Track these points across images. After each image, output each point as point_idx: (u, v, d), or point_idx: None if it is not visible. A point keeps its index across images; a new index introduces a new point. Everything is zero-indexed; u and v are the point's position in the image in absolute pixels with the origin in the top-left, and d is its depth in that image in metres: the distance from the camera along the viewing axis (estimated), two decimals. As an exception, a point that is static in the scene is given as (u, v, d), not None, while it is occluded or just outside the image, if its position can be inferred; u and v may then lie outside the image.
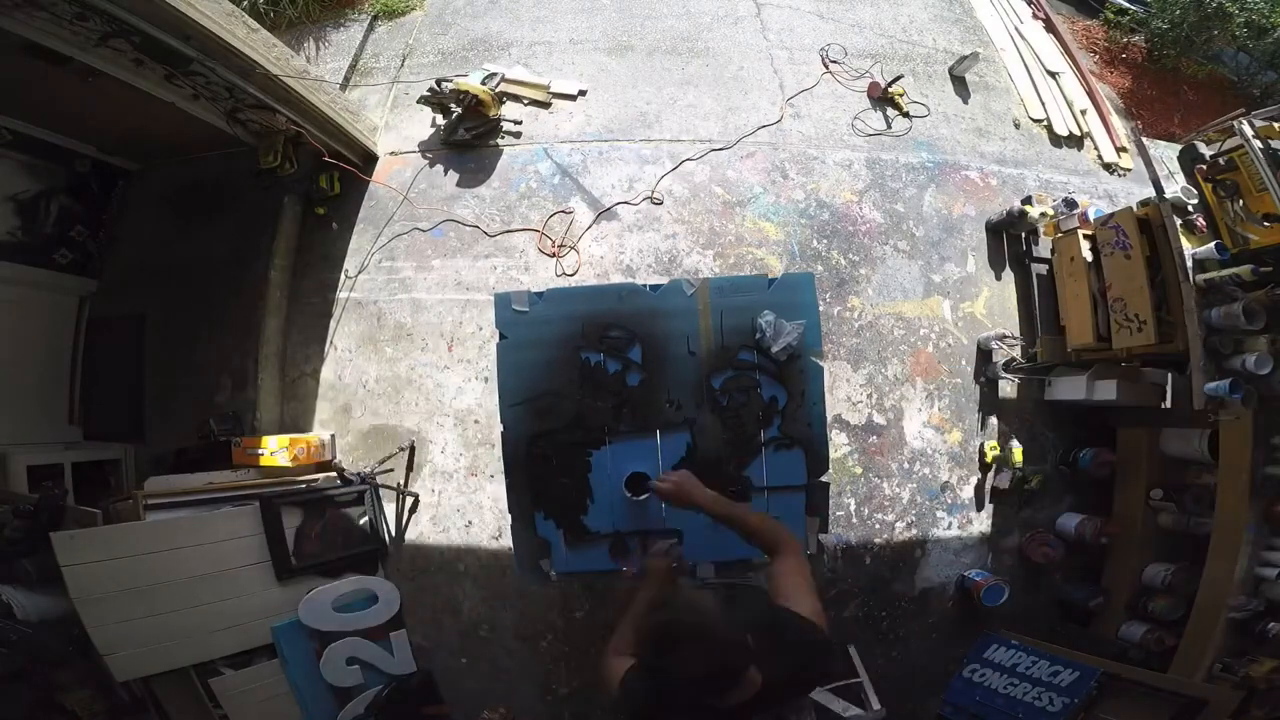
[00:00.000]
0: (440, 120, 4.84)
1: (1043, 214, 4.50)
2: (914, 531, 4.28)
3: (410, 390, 4.38)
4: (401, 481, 4.22)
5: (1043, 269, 4.59)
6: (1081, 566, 4.30)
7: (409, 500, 4.20)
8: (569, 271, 4.51)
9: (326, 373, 4.46)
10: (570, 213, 4.62)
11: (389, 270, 4.59)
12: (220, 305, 4.49)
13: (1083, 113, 5.43)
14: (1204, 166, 3.69)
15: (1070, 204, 4.46)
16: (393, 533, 4.17)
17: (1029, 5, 6.11)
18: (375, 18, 5.54)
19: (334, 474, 4.04)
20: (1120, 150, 5.33)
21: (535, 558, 2.81)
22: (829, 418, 4.11)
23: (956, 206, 4.87)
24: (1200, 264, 3.54)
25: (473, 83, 4.62)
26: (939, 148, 5.09)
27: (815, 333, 2.82)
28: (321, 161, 4.46)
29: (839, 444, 4.26)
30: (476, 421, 4.28)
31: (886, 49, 5.53)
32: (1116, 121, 5.51)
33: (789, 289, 2.84)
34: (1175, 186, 3.99)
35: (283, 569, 3.67)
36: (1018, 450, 4.29)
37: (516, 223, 4.62)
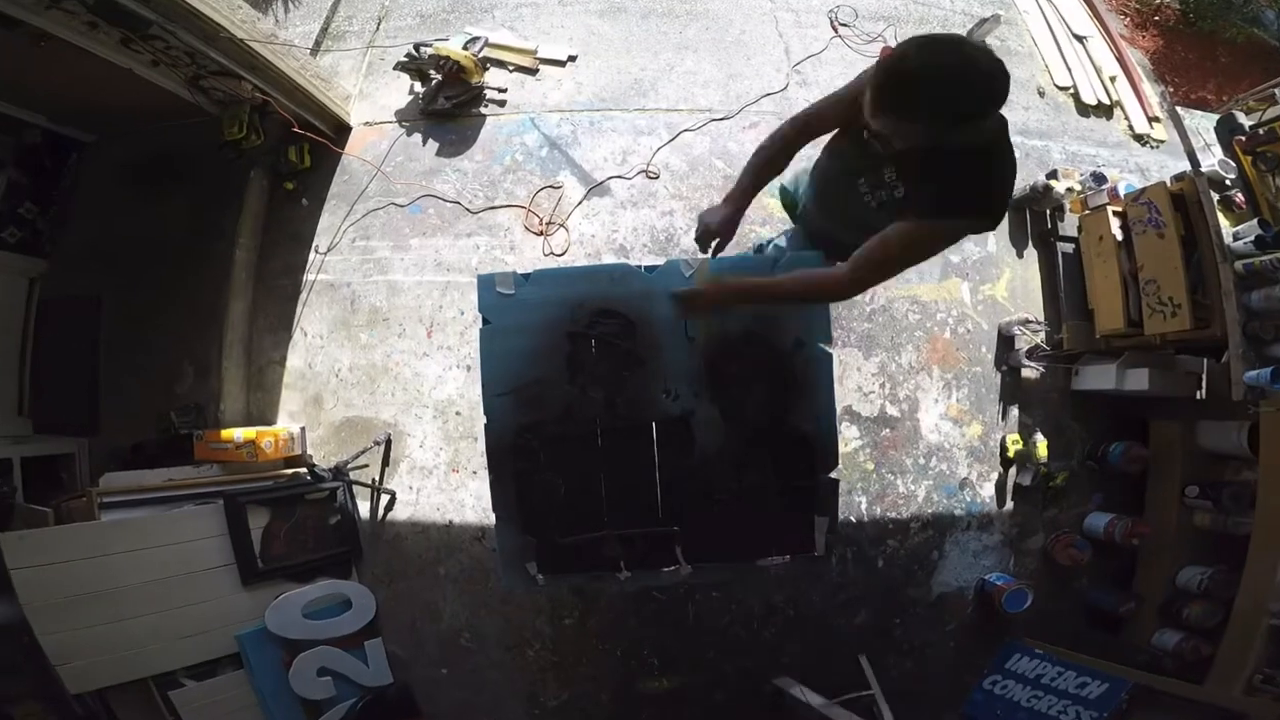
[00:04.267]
0: (418, 88, 4.75)
1: (1069, 189, 4.44)
2: (930, 532, 4.24)
3: (386, 379, 4.32)
4: (377, 478, 4.17)
5: (1069, 249, 4.55)
6: (1111, 570, 4.27)
7: (385, 498, 4.16)
8: (558, 251, 4.45)
9: (295, 361, 4.40)
10: (559, 188, 4.55)
11: (363, 250, 4.52)
12: (181, 288, 4.42)
13: (1112, 80, 5.34)
14: (1243, 138, 3.66)
15: (1099, 178, 4.43)
16: (368, 533, 4.12)
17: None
18: (348, -24, 5.44)
19: (304, 470, 4.02)
20: (1153, 120, 5.26)
21: (521, 560, 2.78)
22: (838, 409, 4.06)
23: None
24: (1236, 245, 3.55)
25: (454, 47, 4.52)
26: None
27: (823, 318, 2.78)
28: (290, 133, 4.40)
29: (849, 438, 4.21)
30: (458, 413, 4.23)
31: (900, 11, 5.45)
32: (1148, 89, 5.43)
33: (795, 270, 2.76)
34: (1212, 159, 3.96)
35: (248, 572, 3.66)
36: (1042, 444, 4.25)
37: (501, 198, 4.56)
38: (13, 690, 3.03)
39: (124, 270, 4.52)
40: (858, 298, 4.34)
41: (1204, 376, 3.98)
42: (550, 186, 4.56)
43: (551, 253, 4.44)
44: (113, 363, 4.46)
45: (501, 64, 4.91)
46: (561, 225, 4.48)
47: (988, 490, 4.34)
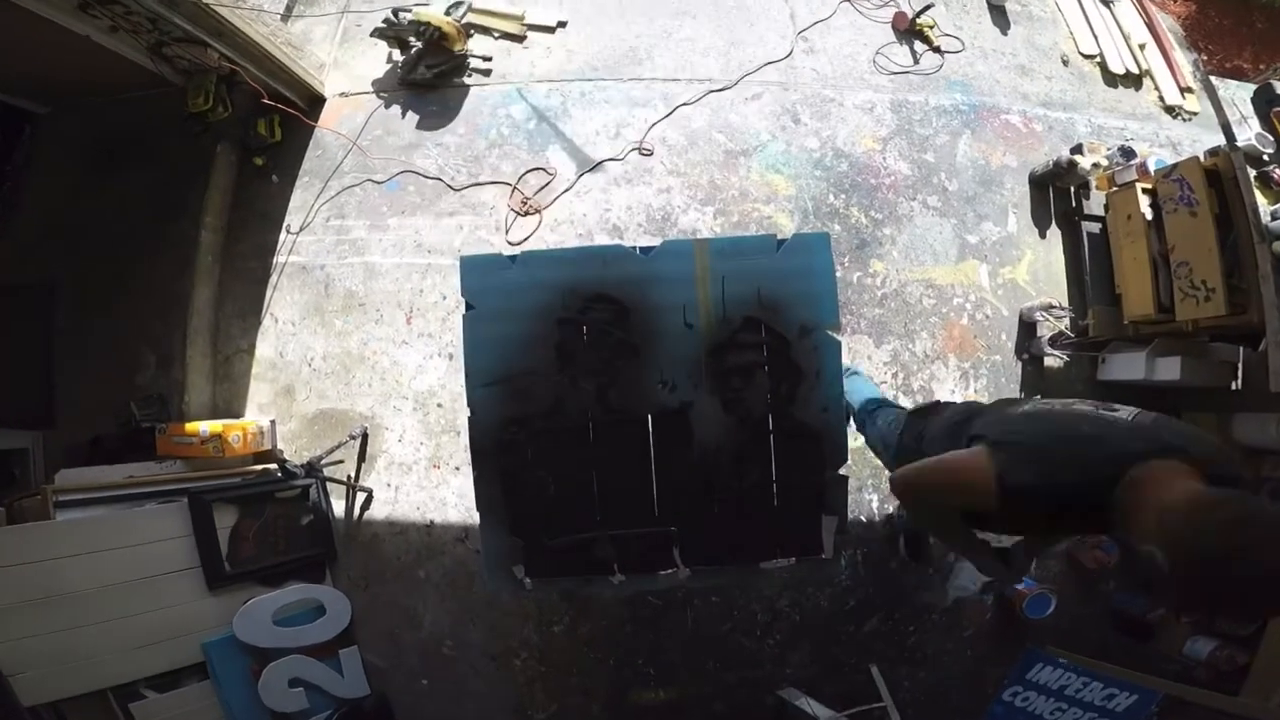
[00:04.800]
0: (397, 56, 4.67)
1: (1095, 165, 4.40)
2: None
3: (362, 369, 4.26)
4: (352, 475, 4.12)
5: (1095, 229, 4.49)
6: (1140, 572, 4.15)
7: (361, 496, 4.11)
8: (547, 232, 4.38)
9: (265, 349, 4.35)
10: (552, 175, 4.48)
11: (338, 230, 4.46)
12: (142, 271, 4.35)
13: (1141, 47, 5.25)
14: (1282, 109, 3.62)
15: (1127, 153, 4.37)
16: (342, 534, 4.07)
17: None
18: (323, -63, 5.31)
19: (274, 466, 3.96)
20: (1185, 90, 5.16)
21: (508, 563, 2.80)
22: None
23: (995, 156, 4.73)
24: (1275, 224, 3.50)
25: (435, 13, 4.46)
26: (975, 88, 4.94)
27: (831, 302, 2.76)
28: (260, 104, 4.33)
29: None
30: (439, 405, 4.18)
31: (915, -27, 5.35)
32: (1180, 57, 5.33)
33: (801, 251, 2.76)
34: (1249, 133, 3.90)
35: (215, 576, 3.61)
36: None
37: (486, 175, 4.49)
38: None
39: (81, 252, 4.46)
40: (869, 281, 4.35)
41: (1240, 366, 3.96)
42: (538, 169, 4.49)
43: (540, 234, 4.39)
44: (69, 351, 4.37)
45: (486, 30, 4.82)
46: (552, 202, 4.43)
47: None
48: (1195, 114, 5.13)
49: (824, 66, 4.86)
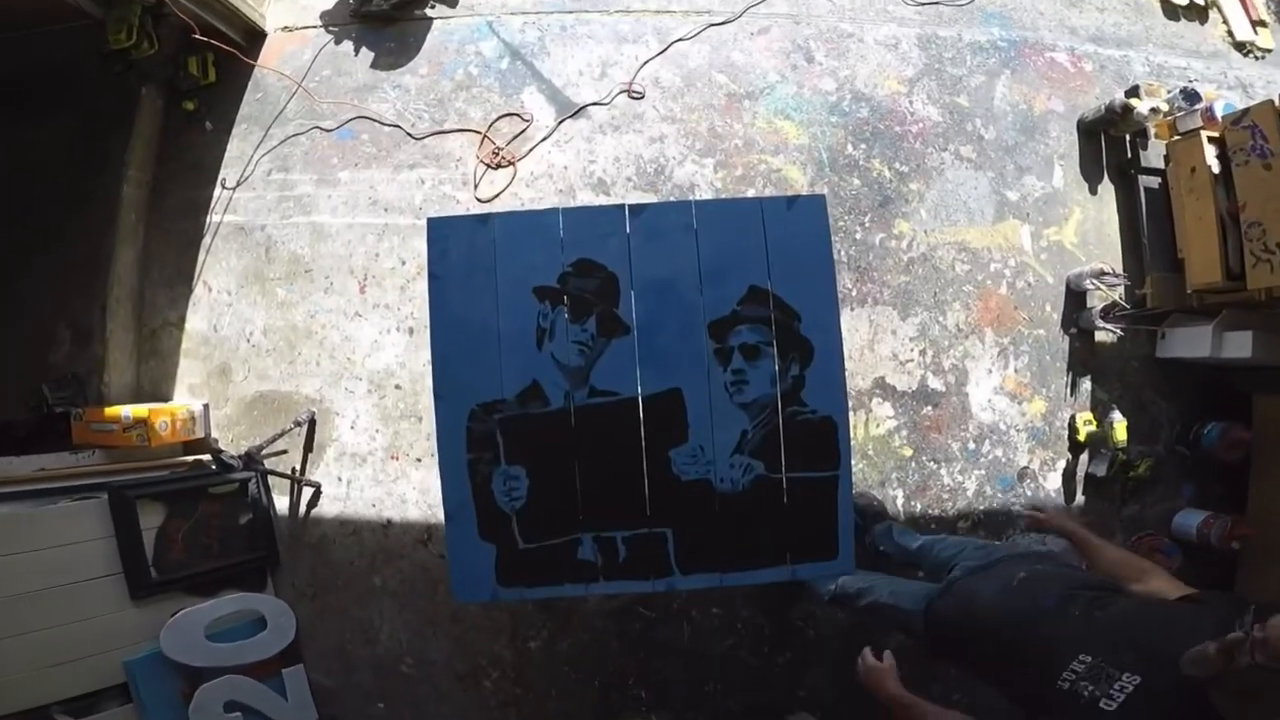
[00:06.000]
0: (350, -16, 4.53)
1: (1154, 110, 4.24)
2: (981, 534, 4.09)
3: (309, 345, 4.22)
4: (298, 467, 4.11)
5: (1154, 183, 4.40)
6: (1206, 580, 3.89)
7: (308, 491, 4.09)
8: (522, 188, 4.33)
9: (197, 322, 4.31)
10: (528, 122, 4.38)
11: (281, 185, 4.40)
12: (56, 232, 4.28)
13: (1208, -27, 5.11)
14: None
15: (1190, 96, 4.26)
16: (286, 535, 4.07)
17: None
18: None
19: (207, 457, 3.95)
20: (1257, 24, 5.05)
21: (477, 569, 2.75)
22: (869, 381, 4.10)
23: (1039, 100, 4.60)
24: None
25: (393, -68, 4.30)
26: (1015, 21, 4.81)
27: (827, 269, 2.74)
28: (191, 40, 4.22)
29: (882, 417, 4.11)
30: (398, 387, 4.14)
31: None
32: (1252, -15, 5.21)
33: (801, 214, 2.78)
34: None
35: (139, 584, 3.55)
36: (1120, 425, 4.08)
37: (451, 122, 4.41)
38: None
39: (-15, 211, 4.35)
40: (892, 244, 4.31)
41: (1320, 341, 3.86)
42: (512, 114, 4.40)
43: (514, 189, 4.33)
44: (-31, 326, 4.31)
45: (453, -47, 4.66)
46: (528, 153, 4.38)
47: (1053, 482, 4.22)
48: (1269, 51, 5.06)
49: (839, -7, 4.73)
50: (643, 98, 4.43)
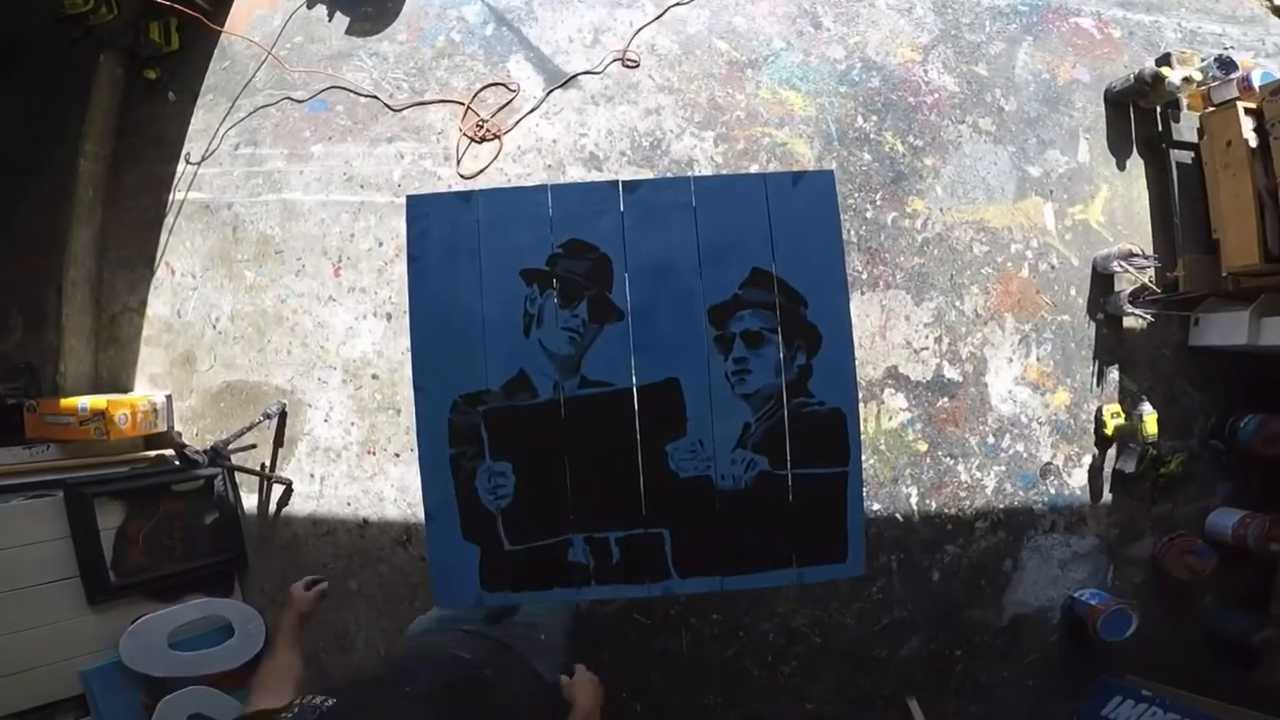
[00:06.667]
0: (323, -57, 4.44)
1: (1186, 79, 4.15)
2: (1002, 534, 4.09)
3: (280, 332, 4.20)
4: (267, 463, 4.11)
5: (1187, 158, 4.29)
6: (1242, 585, 4.13)
7: (278, 489, 4.08)
8: (508, 163, 4.29)
9: (159, 307, 4.30)
10: (514, 92, 4.34)
11: (249, 160, 4.37)
12: (8, 210, 4.24)
13: (1243, -67, 4.97)
14: None
15: (1226, 65, 4.15)
16: (255, 536, 4.08)
17: None
18: None
19: (170, 452, 3.95)
20: None
21: (460, 572, 2.66)
22: (881, 370, 4.06)
23: (1063, 69, 4.51)
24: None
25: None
26: None
27: (835, 250, 2.69)
28: (152, 4, 4.18)
29: (895, 409, 4.06)
30: (375, 377, 4.12)
31: None
32: (1293, -55, 5.08)
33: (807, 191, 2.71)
34: None
35: (97, 588, 3.55)
36: (1150, 418, 4.03)
37: (432, 92, 4.37)
38: None
39: (-68, 187, 4.25)
40: (906, 224, 4.27)
41: (1366, 329, 3.77)
42: (499, 85, 4.35)
43: (499, 164, 4.29)
44: (-82, 311, 4.22)
45: (434, -91, 4.57)
46: (515, 125, 4.33)
47: (1078, 479, 4.18)
48: (1312, 16, 4.88)
49: (848, -42, 4.63)
50: (637, 66, 4.37)
